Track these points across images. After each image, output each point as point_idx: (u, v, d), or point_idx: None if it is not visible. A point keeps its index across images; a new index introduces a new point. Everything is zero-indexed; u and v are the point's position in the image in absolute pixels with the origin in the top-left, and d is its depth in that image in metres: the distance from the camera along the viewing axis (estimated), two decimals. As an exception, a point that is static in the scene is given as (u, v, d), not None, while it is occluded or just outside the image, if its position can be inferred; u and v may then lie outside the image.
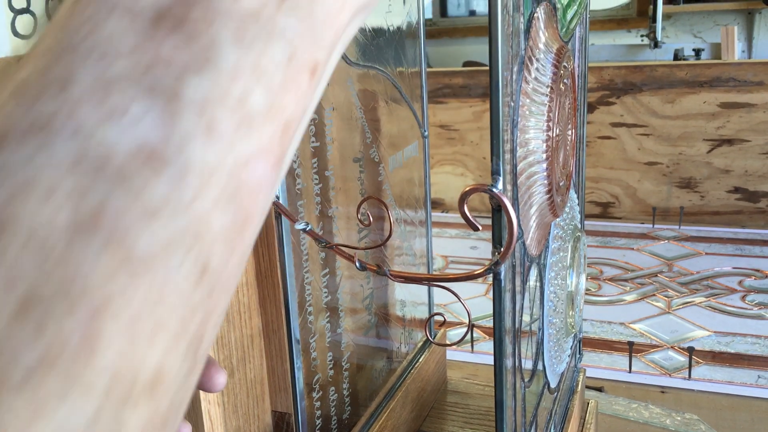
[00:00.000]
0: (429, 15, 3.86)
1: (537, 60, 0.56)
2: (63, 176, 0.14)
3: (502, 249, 0.50)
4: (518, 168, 0.55)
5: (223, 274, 0.17)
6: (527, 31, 0.54)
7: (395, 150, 0.80)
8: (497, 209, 0.49)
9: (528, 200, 0.58)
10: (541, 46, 0.57)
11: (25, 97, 0.15)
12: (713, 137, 2.52)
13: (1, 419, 0.13)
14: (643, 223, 2.61)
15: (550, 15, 0.59)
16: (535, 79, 0.56)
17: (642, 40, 3.40)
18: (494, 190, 0.48)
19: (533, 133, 0.57)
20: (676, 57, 3.01)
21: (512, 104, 0.52)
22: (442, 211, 2.83)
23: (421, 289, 0.92)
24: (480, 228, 0.49)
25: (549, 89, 0.57)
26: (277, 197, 0.57)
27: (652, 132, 2.59)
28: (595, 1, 3.22)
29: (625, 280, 2.09)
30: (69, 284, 0.14)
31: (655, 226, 2.57)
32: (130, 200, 0.15)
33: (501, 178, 0.49)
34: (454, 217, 2.69)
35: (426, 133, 0.86)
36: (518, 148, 0.54)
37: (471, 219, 0.49)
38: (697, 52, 3.05)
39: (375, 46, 0.73)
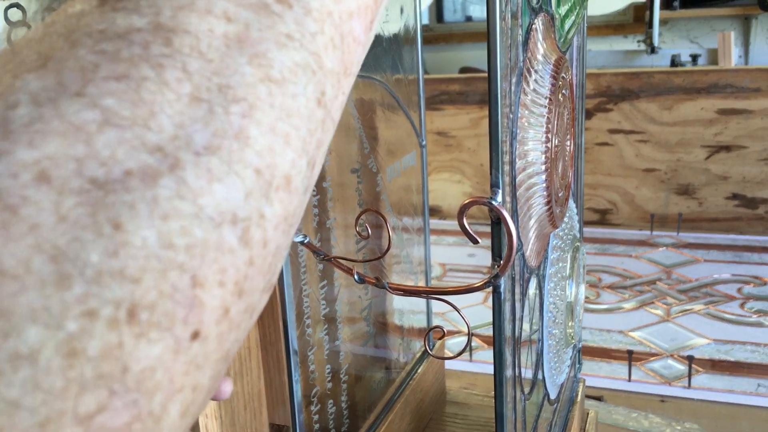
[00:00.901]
0: (425, 21, 3.86)
1: (535, 71, 0.56)
2: (215, 0, 0.17)
3: (501, 261, 0.49)
4: (517, 180, 0.54)
5: (331, 110, 0.20)
6: (525, 42, 0.54)
7: (393, 159, 0.80)
8: (497, 222, 0.48)
9: (527, 212, 0.58)
10: (539, 57, 0.56)
11: None
12: (711, 144, 2.52)
13: (180, 189, 0.15)
14: (641, 230, 2.60)
15: (548, 26, 0.59)
16: (534, 90, 0.55)
17: (639, 46, 3.40)
18: (494, 202, 0.47)
19: (532, 145, 0.56)
20: (673, 62, 3.01)
21: (511, 116, 0.51)
22: (440, 218, 2.82)
23: (420, 299, 0.91)
24: (479, 241, 0.49)
25: (548, 100, 0.57)
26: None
27: (650, 138, 2.58)
28: (591, 6, 3.23)
29: (624, 288, 2.09)
30: (225, 88, 0.16)
31: (654, 232, 2.57)
32: (267, 27, 0.18)
33: (500, 191, 0.48)
34: (452, 224, 2.69)
35: (424, 143, 0.85)
36: (517, 159, 0.54)
37: (470, 232, 0.48)
38: (694, 58, 3.06)
39: (372, 56, 0.73)
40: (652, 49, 3.23)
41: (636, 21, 3.44)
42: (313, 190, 0.64)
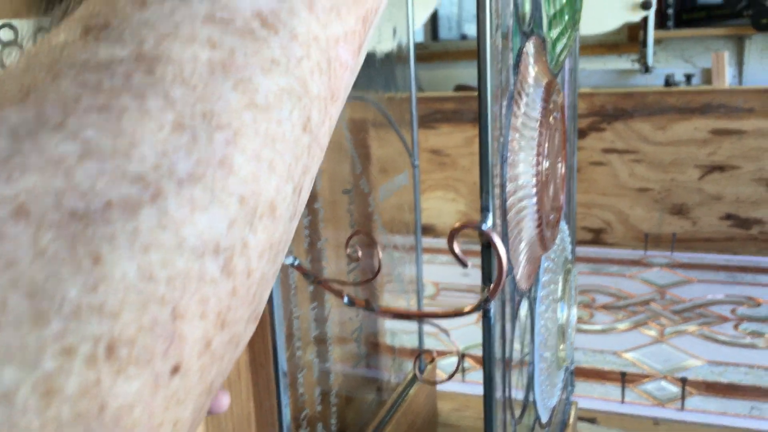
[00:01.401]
0: (420, 38, 3.87)
1: (526, 94, 0.55)
2: (199, 27, 0.17)
3: (491, 285, 0.49)
4: (508, 203, 0.54)
5: (318, 135, 0.19)
6: (516, 65, 0.54)
7: (385, 179, 0.79)
8: (487, 245, 0.48)
9: (518, 235, 0.57)
10: (530, 80, 0.56)
11: None
12: (705, 163, 2.52)
13: (161, 219, 0.15)
14: (635, 250, 2.60)
15: (539, 49, 0.59)
16: (525, 113, 0.55)
17: (633, 65, 3.42)
18: (483, 227, 0.47)
19: (523, 168, 0.56)
20: (667, 82, 3.02)
21: (501, 139, 0.51)
22: (434, 237, 2.82)
23: (411, 321, 0.91)
24: (469, 265, 0.49)
25: (538, 123, 0.56)
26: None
27: (644, 158, 2.59)
28: (585, 26, 3.24)
29: (618, 308, 2.08)
30: (209, 115, 0.16)
31: (647, 252, 2.57)
32: (252, 52, 0.17)
33: (491, 215, 0.48)
34: (446, 243, 2.68)
35: (416, 163, 0.85)
36: (508, 183, 0.54)
37: (460, 257, 0.48)
38: (688, 78, 3.07)
39: (365, 76, 0.73)
40: (646, 69, 3.24)
41: (630, 40, 3.45)
42: (305, 211, 0.64)
